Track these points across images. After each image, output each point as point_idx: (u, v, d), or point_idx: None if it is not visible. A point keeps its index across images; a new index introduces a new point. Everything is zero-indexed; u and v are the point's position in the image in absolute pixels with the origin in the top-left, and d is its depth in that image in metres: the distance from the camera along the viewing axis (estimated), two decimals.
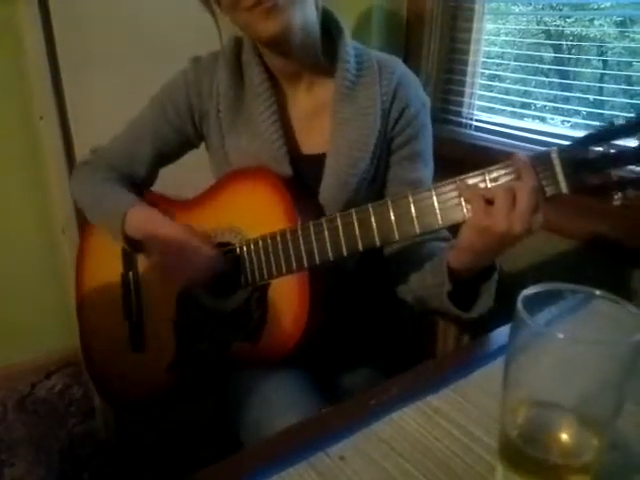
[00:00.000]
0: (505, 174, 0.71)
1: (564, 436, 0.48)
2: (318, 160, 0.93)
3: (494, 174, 0.72)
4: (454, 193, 0.74)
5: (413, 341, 1.15)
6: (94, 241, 1.10)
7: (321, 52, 0.93)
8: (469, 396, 0.64)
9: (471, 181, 0.73)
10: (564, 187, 0.69)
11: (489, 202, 0.70)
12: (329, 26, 0.94)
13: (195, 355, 0.95)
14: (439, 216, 0.75)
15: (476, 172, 0.73)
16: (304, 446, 0.57)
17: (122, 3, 1.32)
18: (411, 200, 0.76)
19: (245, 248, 0.91)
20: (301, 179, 0.93)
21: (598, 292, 0.48)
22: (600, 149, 0.67)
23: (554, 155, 0.69)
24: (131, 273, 1.02)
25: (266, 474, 0.53)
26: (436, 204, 0.75)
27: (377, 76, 0.93)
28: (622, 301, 0.46)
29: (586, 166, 0.68)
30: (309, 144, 0.96)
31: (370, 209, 0.79)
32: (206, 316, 0.94)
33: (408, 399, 0.63)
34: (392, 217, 0.78)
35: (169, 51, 1.38)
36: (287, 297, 0.87)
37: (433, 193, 0.75)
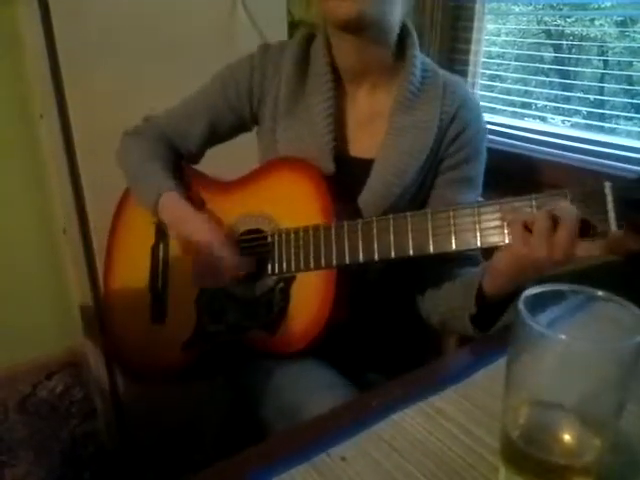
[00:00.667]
0: (552, 200, 0.69)
1: (566, 436, 0.48)
2: (363, 164, 0.93)
3: (542, 200, 0.70)
4: (498, 214, 0.72)
5: (416, 342, 1.15)
6: (132, 206, 1.10)
7: (392, 58, 0.94)
8: (471, 397, 0.64)
9: (517, 204, 0.71)
10: (613, 225, 0.66)
11: (529, 228, 0.68)
12: (404, 35, 0.94)
13: (211, 336, 0.95)
14: (478, 236, 0.73)
15: (524, 197, 0.71)
16: (305, 447, 0.56)
17: (122, 0, 1.32)
18: (452, 214, 0.75)
19: (276, 237, 0.91)
20: (343, 179, 0.93)
21: (600, 293, 0.48)
22: None
23: (607, 190, 0.66)
24: (162, 245, 1.03)
25: (267, 475, 0.53)
26: (477, 223, 0.73)
27: (441, 93, 0.93)
28: (624, 302, 0.46)
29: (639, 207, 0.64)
30: (358, 147, 0.96)
31: (408, 217, 0.78)
32: (228, 298, 0.94)
33: (410, 400, 0.63)
34: (430, 228, 0.77)
35: (170, 49, 1.38)
36: (310, 294, 0.87)
37: (475, 211, 0.74)
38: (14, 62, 1.29)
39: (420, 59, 0.95)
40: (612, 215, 0.65)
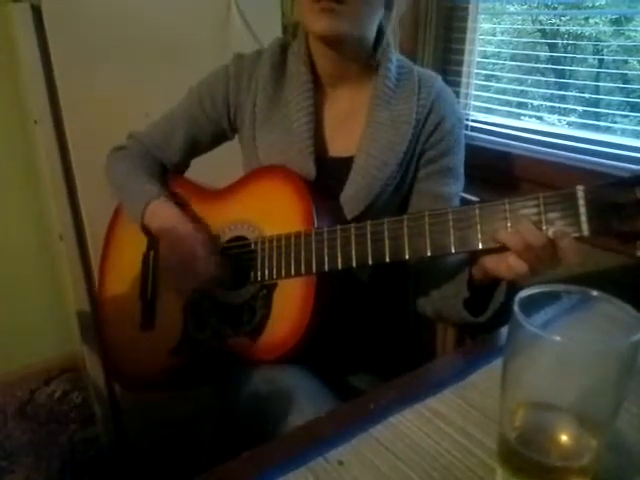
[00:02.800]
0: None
1: (563, 437, 0.48)
2: (344, 163, 0.94)
3: (515, 205, 0.70)
4: (476, 219, 0.72)
5: (413, 343, 1.15)
6: (126, 215, 1.10)
7: (368, 60, 0.95)
8: (468, 398, 0.64)
9: (491, 209, 0.71)
10: (585, 230, 0.65)
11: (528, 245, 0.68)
12: (378, 36, 0.95)
13: (197, 342, 0.96)
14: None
15: (497, 202, 0.71)
16: (303, 451, 0.56)
17: (116, 4, 1.32)
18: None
19: (260, 244, 0.91)
20: (325, 180, 0.94)
21: (594, 292, 0.48)
22: (632, 194, 0.63)
23: (580, 194, 0.65)
24: (152, 253, 1.03)
25: (264, 479, 0.53)
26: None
27: (416, 87, 0.94)
28: (618, 301, 0.46)
29: (613, 211, 0.64)
30: (338, 146, 0.97)
31: (385, 223, 0.78)
32: (213, 306, 0.95)
33: (407, 402, 0.63)
34: (405, 235, 0.77)
35: (165, 53, 1.38)
36: (291, 301, 0.87)
37: (450, 215, 0.74)
38: (8, 68, 1.28)
39: (394, 56, 0.97)
40: (584, 219, 0.65)
